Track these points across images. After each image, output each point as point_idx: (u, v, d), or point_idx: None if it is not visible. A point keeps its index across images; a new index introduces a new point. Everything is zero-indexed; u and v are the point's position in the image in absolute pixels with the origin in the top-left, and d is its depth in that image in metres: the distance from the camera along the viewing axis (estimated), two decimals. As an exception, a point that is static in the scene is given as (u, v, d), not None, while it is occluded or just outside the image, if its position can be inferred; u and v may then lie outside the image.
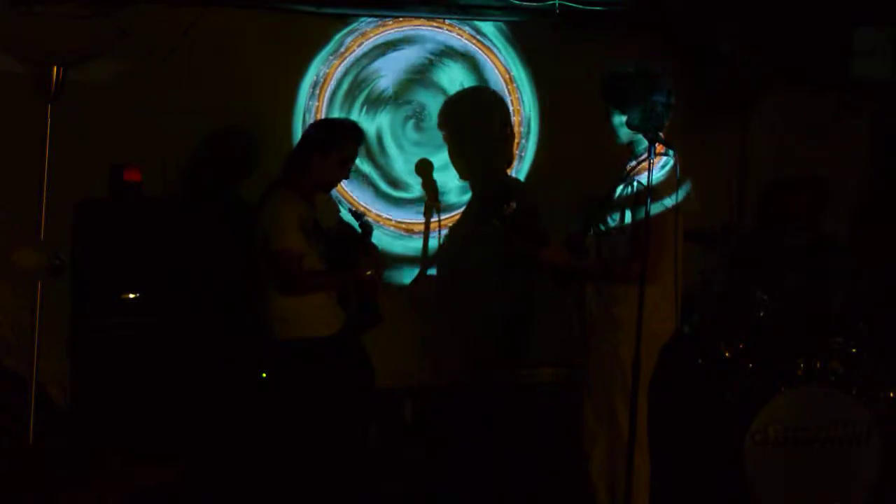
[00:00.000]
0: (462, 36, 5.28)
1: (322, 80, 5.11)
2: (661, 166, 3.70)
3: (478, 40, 5.30)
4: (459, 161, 5.18)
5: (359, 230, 4.33)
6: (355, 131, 4.20)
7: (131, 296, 4.60)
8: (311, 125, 4.29)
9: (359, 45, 5.16)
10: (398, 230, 5.28)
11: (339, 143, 4.14)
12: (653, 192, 3.54)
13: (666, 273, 3.65)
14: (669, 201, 3.65)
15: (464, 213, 5.25)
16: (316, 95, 5.10)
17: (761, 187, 5.54)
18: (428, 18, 5.21)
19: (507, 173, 5.27)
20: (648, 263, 3.51)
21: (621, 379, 3.71)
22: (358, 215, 4.35)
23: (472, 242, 5.07)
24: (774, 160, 5.59)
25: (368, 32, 5.16)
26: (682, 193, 3.70)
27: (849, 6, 5.26)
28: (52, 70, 3.65)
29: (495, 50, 5.33)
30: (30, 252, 3.72)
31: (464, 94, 5.26)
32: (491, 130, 5.20)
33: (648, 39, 5.24)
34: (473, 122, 5.20)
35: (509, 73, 5.35)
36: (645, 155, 3.70)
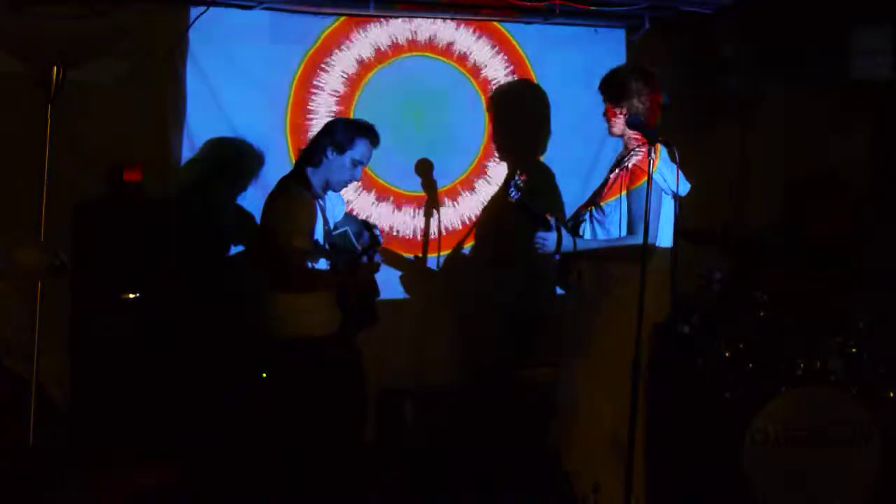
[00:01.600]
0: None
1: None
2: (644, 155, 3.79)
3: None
4: (504, 144, 5.33)
5: (363, 242, 4.31)
6: (372, 134, 4.19)
7: (131, 296, 4.60)
8: (328, 124, 4.25)
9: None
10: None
11: (354, 144, 4.13)
12: (638, 174, 3.80)
13: (660, 254, 3.79)
14: (663, 184, 3.83)
15: (495, 194, 5.37)
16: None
17: (761, 188, 5.54)
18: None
19: (539, 160, 5.38)
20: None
21: (615, 359, 3.75)
22: (369, 226, 4.35)
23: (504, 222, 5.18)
24: (774, 160, 5.58)
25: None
26: (671, 180, 3.77)
27: (849, 6, 5.26)
28: (52, 70, 3.66)
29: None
30: (30, 252, 3.71)
31: (516, 84, 5.41)
32: (537, 119, 5.32)
33: (649, 39, 5.24)
34: (524, 110, 5.37)
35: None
36: (636, 146, 3.95)
